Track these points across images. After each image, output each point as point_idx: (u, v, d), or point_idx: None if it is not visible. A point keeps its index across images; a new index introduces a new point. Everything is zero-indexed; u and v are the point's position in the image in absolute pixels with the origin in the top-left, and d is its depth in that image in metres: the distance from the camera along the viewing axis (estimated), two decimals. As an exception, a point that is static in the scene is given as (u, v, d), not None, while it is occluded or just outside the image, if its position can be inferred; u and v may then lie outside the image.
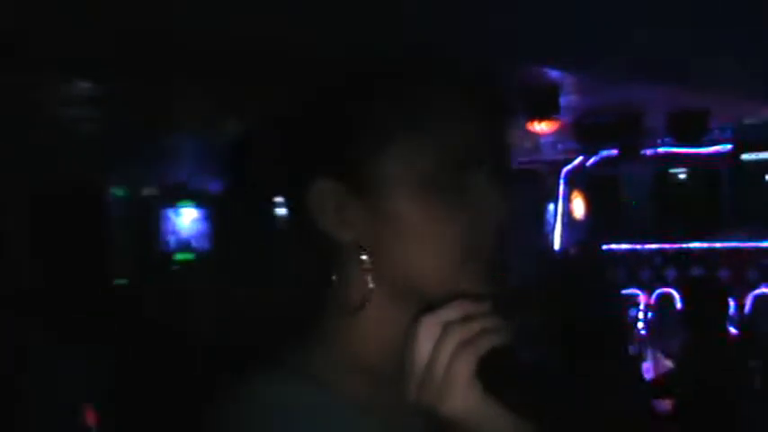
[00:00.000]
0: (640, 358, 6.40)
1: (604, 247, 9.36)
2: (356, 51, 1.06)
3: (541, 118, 6.45)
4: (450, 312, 0.94)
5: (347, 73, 1.06)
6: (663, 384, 5.41)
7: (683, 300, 5.64)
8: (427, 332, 0.94)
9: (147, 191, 10.23)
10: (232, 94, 5.71)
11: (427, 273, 1.00)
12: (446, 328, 0.93)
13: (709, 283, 5.96)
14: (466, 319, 0.94)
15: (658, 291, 9.14)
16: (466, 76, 1.07)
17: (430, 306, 0.96)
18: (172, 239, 10.32)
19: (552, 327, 3.91)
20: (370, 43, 1.06)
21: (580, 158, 9.88)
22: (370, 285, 1.02)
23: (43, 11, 4.18)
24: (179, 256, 10.22)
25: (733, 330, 7.16)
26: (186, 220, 10.37)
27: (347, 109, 1.02)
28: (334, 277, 1.05)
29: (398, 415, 1.01)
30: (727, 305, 5.20)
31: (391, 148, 1.00)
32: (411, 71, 1.04)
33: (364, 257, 1.01)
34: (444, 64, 1.06)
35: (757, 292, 8.64)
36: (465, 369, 0.92)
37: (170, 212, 10.35)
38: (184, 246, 10.28)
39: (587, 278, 5.12)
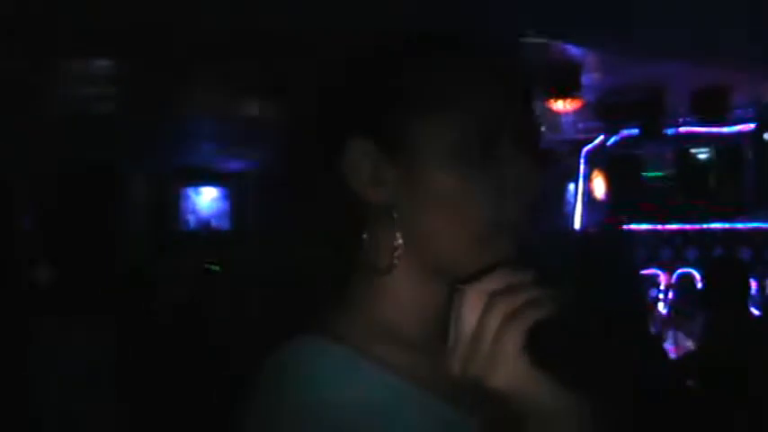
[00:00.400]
0: (661, 339, 6.37)
1: (625, 227, 9.32)
2: (390, 24, 1.07)
3: (563, 96, 6.41)
4: (495, 282, 0.93)
5: (384, 44, 1.07)
6: (684, 365, 5.38)
7: (704, 280, 5.60)
8: (472, 302, 0.93)
9: (166, 170, 10.26)
10: (254, 73, 5.69)
11: (453, 242, 1.01)
12: (492, 298, 0.92)
13: (730, 263, 5.91)
14: (510, 289, 0.92)
15: (679, 271, 9.08)
16: (494, 50, 1.08)
17: (471, 275, 0.95)
18: (191, 219, 10.36)
19: (574, 307, 3.88)
20: (402, 17, 1.07)
21: (601, 138, 9.82)
22: (400, 241, 1.02)
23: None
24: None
25: (755, 311, 7.13)
26: (206, 198, 10.40)
27: (384, 75, 1.04)
28: (365, 236, 1.05)
29: (434, 383, 1.00)
30: (749, 285, 5.16)
31: (424, 117, 1.01)
32: (443, 43, 1.05)
33: (395, 216, 1.02)
34: (474, 37, 1.07)
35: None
36: (513, 341, 0.90)
37: (190, 192, 10.39)
38: (204, 225, 10.31)
39: (607, 258, 5.08)
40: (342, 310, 1.06)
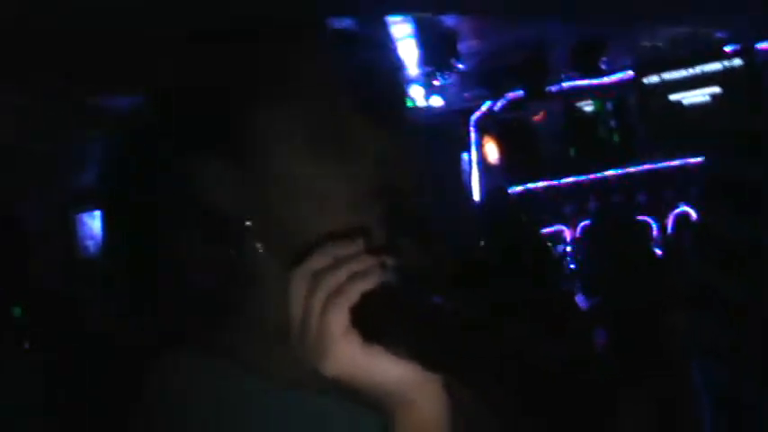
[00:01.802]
0: (573, 293, 6.47)
1: (522, 187, 9.46)
2: (221, 22, 1.05)
3: (443, 67, 6.44)
4: (319, 260, 0.89)
5: (215, 51, 1.03)
6: (594, 315, 5.48)
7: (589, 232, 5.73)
8: (299, 285, 0.88)
9: (61, 199, 10.06)
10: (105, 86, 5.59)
11: (321, 229, 0.97)
12: (314, 278, 0.87)
13: (617, 212, 6.04)
14: (336, 264, 0.87)
15: (582, 223, 9.24)
16: (334, 34, 1.06)
17: (299, 255, 0.91)
18: (91, 245, 10.16)
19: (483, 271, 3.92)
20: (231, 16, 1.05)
21: (488, 104, 9.91)
22: (261, 251, 0.99)
23: None
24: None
25: (658, 251, 7.29)
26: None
27: (215, 83, 1.01)
28: (232, 251, 1.01)
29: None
30: (637, 229, 5.30)
31: (266, 117, 0.98)
32: (277, 38, 1.02)
33: (254, 224, 0.99)
34: (310, 26, 1.05)
35: (677, 211, 8.78)
36: (338, 320, 0.85)
37: (85, 218, 10.18)
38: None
39: (501, 222, 5.14)
40: (224, 322, 1.03)
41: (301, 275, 0.88)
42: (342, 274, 0.86)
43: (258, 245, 1.00)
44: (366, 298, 0.86)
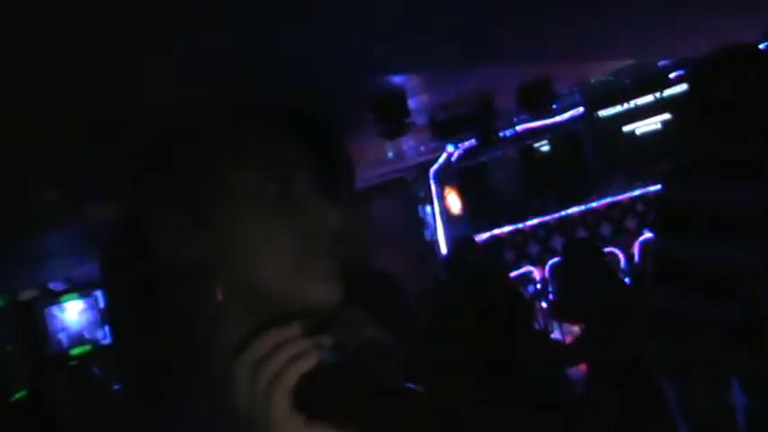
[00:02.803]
0: (548, 331, 6.48)
1: (487, 234, 9.50)
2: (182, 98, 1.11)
3: (394, 125, 6.46)
4: (260, 347, 0.91)
5: (172, 115, 1.13)
6: (576, 350, 5.49)
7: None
8: (241, 374, 0.91)
9: (25, 294, 9.95)
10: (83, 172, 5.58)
11: (268, 280, 1.03)
12: (255, 367, 0.90)
13: (582, 246, 6.08)
14: (275, 350, 0.90)
15: (550, 262, 9.29)
16: (280, 103, 1.15)
17: (244, 342, 0.93)
18: (63, 336, 10.06)
19: (452, 324, 3.92)
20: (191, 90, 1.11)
21: (444, 155, 9.98)
22: (219, 296, 1.04)
23: None
24: (75, 351, 9.95)
25: (626, 280, 7.33)
26: (73, 314, 10.12)
27: (168, 144, 1.09)
28: (184, 300, 1.07)
29: None
30: (601, 260, 5.35)
31: (214, 171, 1.05)
32: (231, 108, 1.11)
33: (210, 273, 1.04)
34: (260, 95, 1.12)
35: (642, 238, 8.86)
36: (280, 406, 0.88)
37: (54, 310, 10.09)
38: (77, 340, 10.02)
39: (467, 273, 5.15)
40: (188, 380, 1.07)
41: (243, 365, 0.92)
42: (280, 360, 0.89)
43: (215, 294, 1.04)
44: (305, 379, 0.89)
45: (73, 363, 9.79)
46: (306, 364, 0.90)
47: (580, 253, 5.32)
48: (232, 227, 1.04)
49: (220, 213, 1.05)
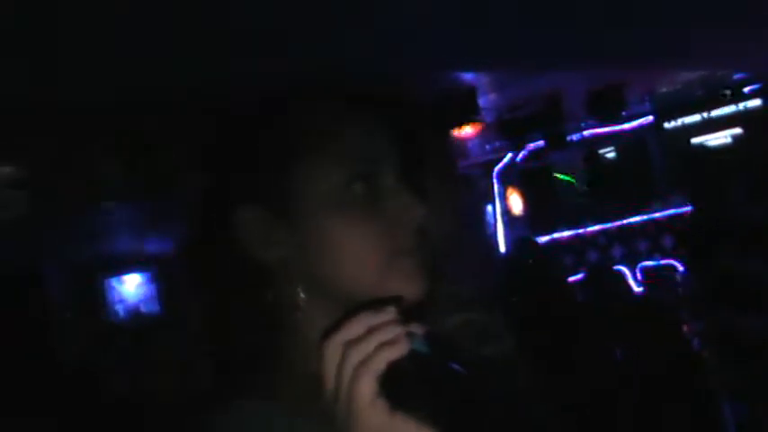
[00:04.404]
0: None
1: (547, 237, 9.43)
2: (257, 81, 1.11)
3: (463, 122, 6.46)
4: (351, 330, 0.92)
5: (251, 107, 1.12)
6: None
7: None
8: (331, 355, 0.92)
9: (87, 264, 10.07)
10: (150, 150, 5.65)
11: (353, 279, 1.04)
12: (345, 348, 0.91)
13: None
14: (366, 334, 0.91)
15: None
16: (362, 92, 1.12)
17: (334, 325, 0.94)
18: (120, 308, 10.18)
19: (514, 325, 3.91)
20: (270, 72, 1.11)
21: (509, 155, 9.94)
22: (302, 296, 1.06)
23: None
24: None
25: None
26: (131, 286, 10.24)
27: (254, 139, 1.08)
28: (269, 296, 1.07)
29: None
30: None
31: (300, 169, 1.05)
32: (311, 95, 1.10)
33: (294, 271, 1.05)
34: (344, 83, 1.11)
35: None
36: (365, 390, 0.88)
37: (114, 282, 10.22)
38: (134, 313, 10.14)
39: (530, 273, 5.14)
40: (269, 371, 1.07)
41: (333, 345, 0.91)
42: (370, 345, 0.90)
43: (299, 291, 1.06)
44: (394, 367, 0.89)
45: (132, 335, 9.94)
46: (396, 352, 0.90)
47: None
48: (317, 225, 1.04)
49: (306, 212, 1.05)
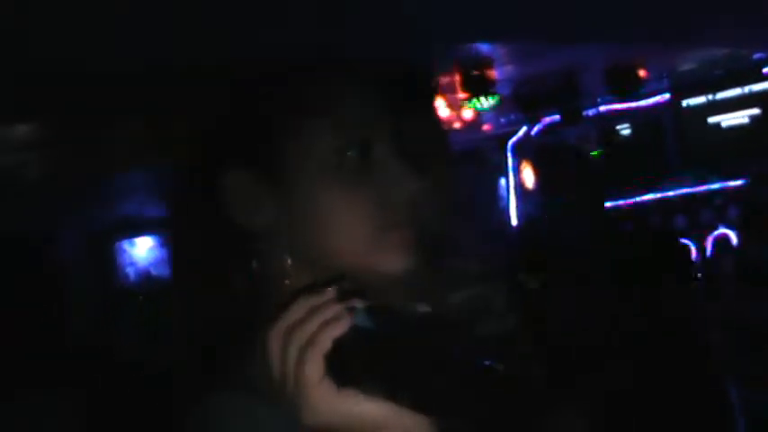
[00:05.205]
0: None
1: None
2: (251, 51, 1.09)
3: (478, 93, 6.44)
4: (293, 314, 0.90)
5: (243, 74, 1.09)
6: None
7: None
8: (274, 341, 0.91)
9: (98, 227, 10.11)
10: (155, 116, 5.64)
11: (340, 249, 1.02)
12: (287, 332, 0.89)
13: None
14: (308, 315, 0.89)
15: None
16: (358, 63, 1.10)
17: (276, 308, 0.93)
18: (131, 272, 10.22)
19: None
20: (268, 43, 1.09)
21: (524, 129, 9.90)
22: (289, 262, 1.03)
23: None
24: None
25: (698, 274, 7.23)
26: (142, 250, 10.28)
27: (245, 105, 1.06)
28: (254, 265, 1.05)
29: None
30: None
31: (293, 138, 1.03)
32: (303, 63, 1.07)
33: (282, 239, 1.03)
34: (336, 53, 1.10)
35: (716, 233, 8.70)
36: (311, 371, 0.87)
37: (125, 244, 10.25)
38: (145, 276, 10.17)
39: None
40: (255, 346, 1.02)
41: (276, 331, 0.90)
42: (312, 325, 0.88)
43: (286, 258, 1.04)
44: (339, 344, 0.87)
45: (140, 298, 9.97)
46: (338, 329, 0.87)
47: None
48: (306, 192, 1.03)
49: (295, 179, 1.03)
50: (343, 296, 0.91)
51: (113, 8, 3.70)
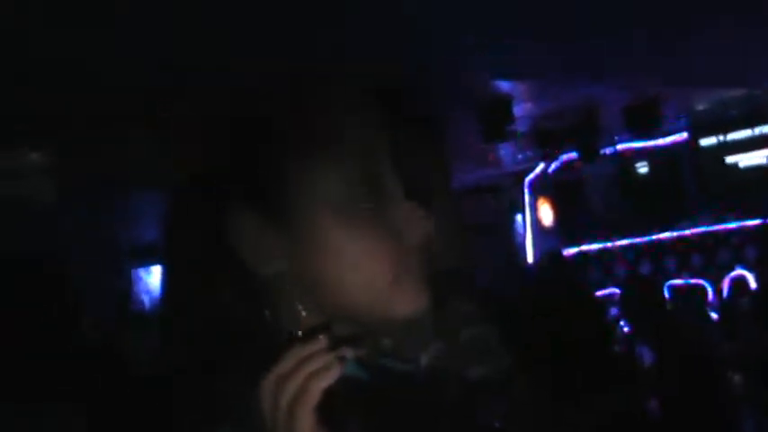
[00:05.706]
0: (632, 358, 6.36)
1: (576, 249, 9.39)
2: (260, 82, 1.05)
3: (497, 130, 6.44)
4: (282, 366, 0.89)
5: (249, 108, 1.05)
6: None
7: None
8: (266, 394, 0.90)
9: (116, 253, 10.12)
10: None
11: (355, 294, 0.99)
12: (278, 385, 0.89)
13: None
14: (297, 366, 0.88)
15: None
16: (370, 101, 1.06)
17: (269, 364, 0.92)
18: (146, 299, 10.22)
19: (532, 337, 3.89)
20: (273, 74, 1.05)
21: (541, 165, 9.89)
22: (303, 314, 1.00)
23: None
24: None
25: (714, 315, 7.18)
26: (157, 278, 10.31)
27: (253, 145, 1.02)
28: (267, 312, 1.01)
29: None
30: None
31: (300, 178, 0.99)
32: (314, 101, 1.03)
33: (294, 284, 1.00)
34: (348, 91, 1.05)
35: (733, 274, 8.65)
36: (302, 423, 0.86)
37: (141, 272, 10.26)
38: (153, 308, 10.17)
39: (555, 287, 5.10)
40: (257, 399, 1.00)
41: (267, 384, 0.89)
42: (300, 377, 0.87)
43: (300, 309, 1.00)
44: (330, 394, 0.87)
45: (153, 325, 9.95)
46: (327, 379, 0.87)
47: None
48: (318, 234, 0.99)
49: (305, 218, 0.99)
50: (334, 345, 0.90)
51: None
